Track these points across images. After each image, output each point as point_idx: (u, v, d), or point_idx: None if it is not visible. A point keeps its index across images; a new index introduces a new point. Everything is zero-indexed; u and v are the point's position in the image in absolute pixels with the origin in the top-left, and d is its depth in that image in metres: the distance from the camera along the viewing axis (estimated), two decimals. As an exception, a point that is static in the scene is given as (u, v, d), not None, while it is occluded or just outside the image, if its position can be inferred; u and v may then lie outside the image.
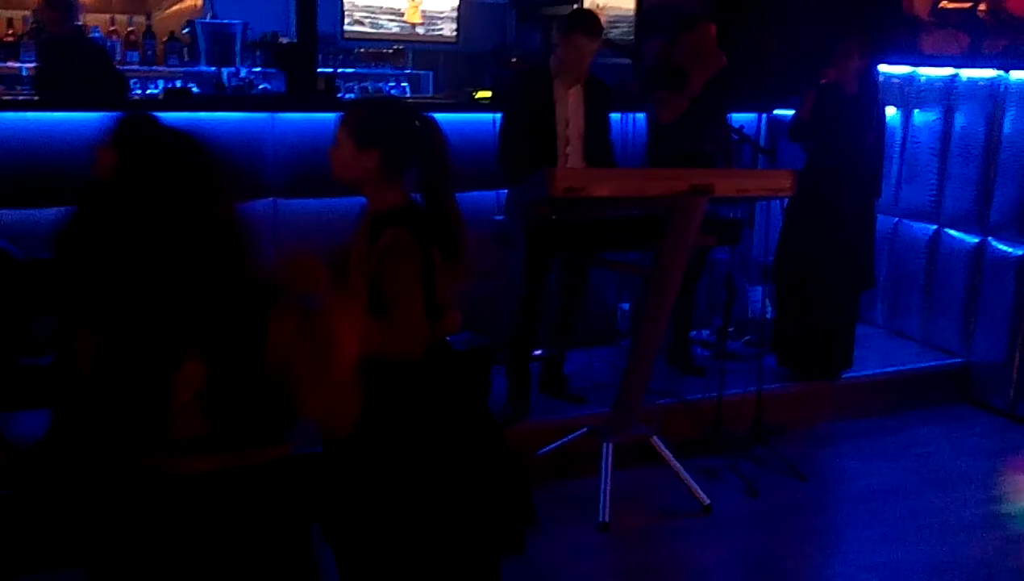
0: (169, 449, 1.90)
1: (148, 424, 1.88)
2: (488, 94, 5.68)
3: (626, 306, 5.73)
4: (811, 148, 5.33)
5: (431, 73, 7.90)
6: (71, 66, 5.46)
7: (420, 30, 7.57)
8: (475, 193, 5.26)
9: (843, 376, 5.50)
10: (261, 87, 6.73)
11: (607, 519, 4.13)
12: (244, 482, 1.94)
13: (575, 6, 6.93)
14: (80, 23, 5.90)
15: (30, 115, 4.60)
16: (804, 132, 5.31)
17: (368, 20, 7.28)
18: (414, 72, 7.79)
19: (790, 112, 5.48)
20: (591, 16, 4.81)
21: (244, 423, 1.95)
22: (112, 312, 1.89)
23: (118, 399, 1.87)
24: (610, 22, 6.90)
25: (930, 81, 5.98)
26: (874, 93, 5.42)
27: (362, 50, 7.52)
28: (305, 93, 5.38)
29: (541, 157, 4.50)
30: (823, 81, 5.20)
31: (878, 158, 5.56)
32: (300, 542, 2.05)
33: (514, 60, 7.17)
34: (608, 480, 4.20)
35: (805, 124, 5.28)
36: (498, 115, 4.80)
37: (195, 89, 6.44)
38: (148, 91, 6.58)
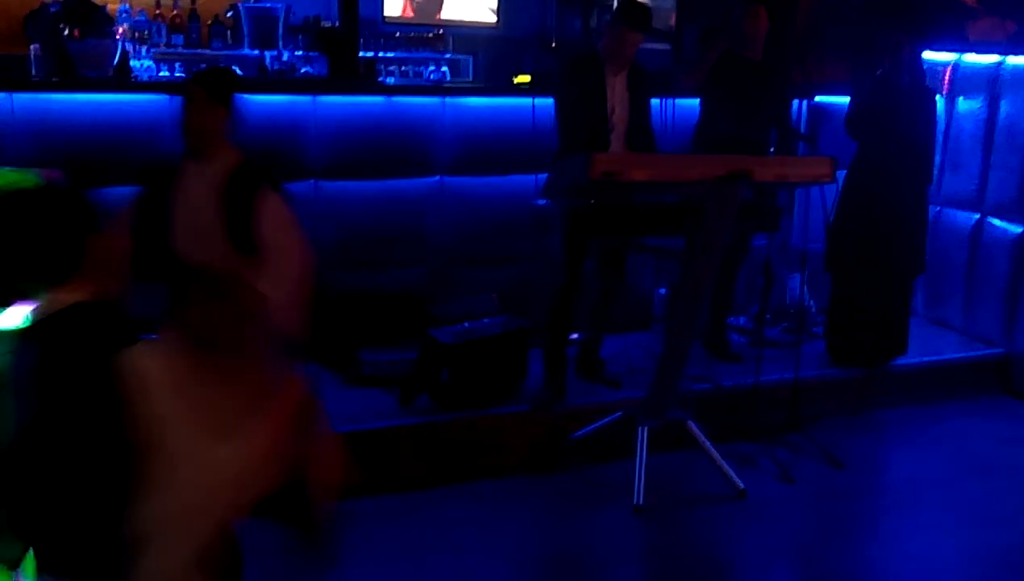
0: None
1: None
2: (527, 79, 5.68)
3: (663, 291, 5.73)
4: (866, 137, 5.28)
5: (471, 57, 7.91)
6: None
7: (461, 14, 7.60)
8: (514, 177, 5.31)
9: (889, 365, 5.45)
10: (303, 70, 6.78)
11: (641, 502, 4.16)
12: None
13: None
14: None
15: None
16: (863, 123, 5.27)
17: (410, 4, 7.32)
18: (454, 56, 7.80)
19: (831, 99, 5.44)
20: (640, 8, 4.71)
21: None
22: None
23: None
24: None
25: (974, 68, 5.91)
26: (926, 82, 5.37)
27: (401, 34, 7.55)
28: (346, 77, 5.42)
29: (593, 142, 4.50)
30: (879, 72, 5.16)
31: (930, 145, 5.52)
32: None
33: (554, 45, 7.17)
34: (643, 464, 4.22)
35: (864, 116, 5.23)
36: (537, 100, 4.80)
37: (239, 72, 6.50)
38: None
